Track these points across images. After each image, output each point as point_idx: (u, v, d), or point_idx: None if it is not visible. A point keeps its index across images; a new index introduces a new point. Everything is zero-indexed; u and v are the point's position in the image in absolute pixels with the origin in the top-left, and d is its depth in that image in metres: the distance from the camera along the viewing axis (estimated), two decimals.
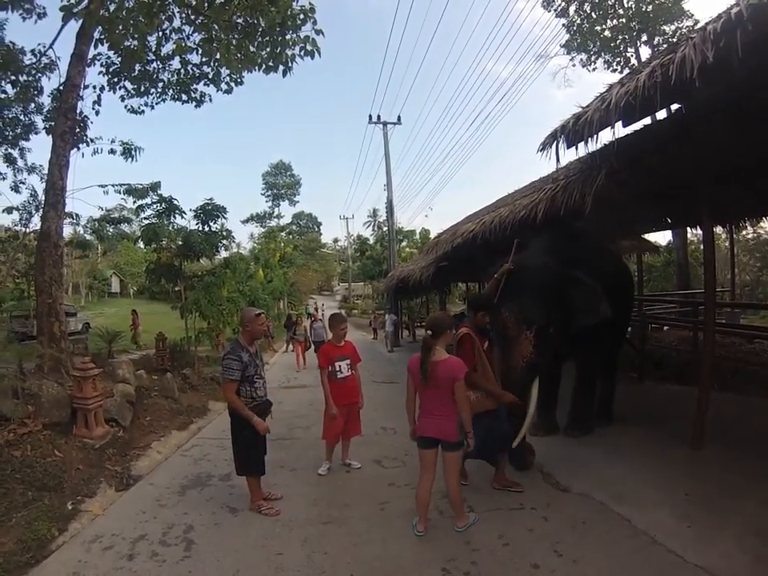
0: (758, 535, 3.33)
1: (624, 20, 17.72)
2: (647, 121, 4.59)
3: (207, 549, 3.52)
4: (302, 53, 7.25)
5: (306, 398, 8.58)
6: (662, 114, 4.67)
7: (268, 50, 7.54)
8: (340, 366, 4.93)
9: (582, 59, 19.64)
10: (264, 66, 7.66)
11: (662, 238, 24.17)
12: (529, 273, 4.66)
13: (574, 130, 4.09)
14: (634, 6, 17.45)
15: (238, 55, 7.87)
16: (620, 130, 4.40)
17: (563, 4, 18.29)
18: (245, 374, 3.97)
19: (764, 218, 8.69)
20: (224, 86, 10.12)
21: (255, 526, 3.87)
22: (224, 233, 11.30)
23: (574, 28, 18.73)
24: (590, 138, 4.10)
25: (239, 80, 10.06)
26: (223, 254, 14.86)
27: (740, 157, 4.65)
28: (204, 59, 9.27)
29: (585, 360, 5.82)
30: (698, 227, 10.22)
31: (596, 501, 4.09)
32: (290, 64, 7.49)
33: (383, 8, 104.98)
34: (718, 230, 14.06)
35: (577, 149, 4.35)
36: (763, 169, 5.09)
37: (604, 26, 18.44)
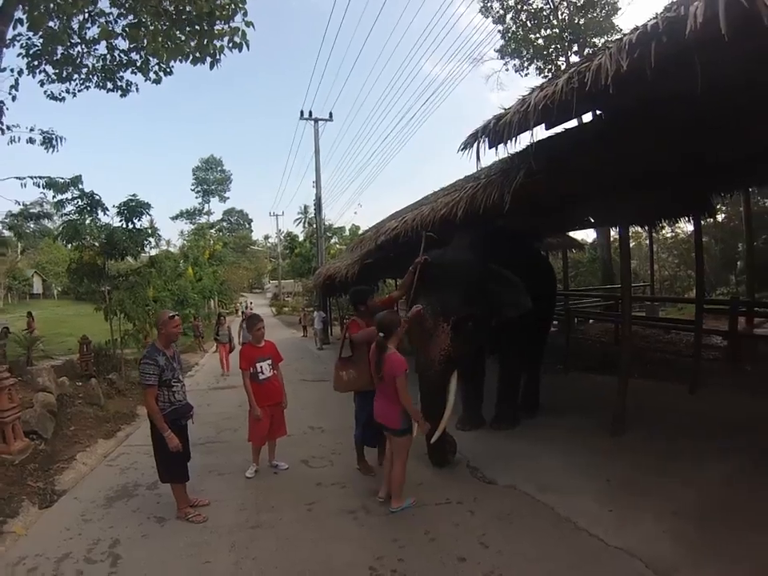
0: (675, 514, 3.57)
1: (557, 30, 18.49)
2: (572, 124, 4.78)
3: (134, 563, 3.39)
4: (230, 45, 7.08)
5: (235, 400, 8.36)
6: (587, 118, 4.87)
7: (196, 39, 7.28)
8: (261, 367, 4.86)
9: (515, 64, 20.27)
10: (192, 57, 7.41)
11: (588, 235, 25.43)
12: (448, 267, 4.70)
13: (495, 131, 4.15)
14: (567, 18, 18.24)
15: (166, 44, 7.56)
16: (543, 134, 4.58)
17: (500, 11, 18.86)
18: (162, 378, 3.84)
19: (680, 219, 9.33)
20: (152, 76, 9.56)
21: (182, 535, 3.75)
22: (149, 230, 10.84)
23: (509, 35, 19.31)
24: (510, 140, 4.19)
25: (168, 70, 9.57)
26: (152, 252, 14.22)
27: (655, 162, 4.87)
28: (131, 45, 8.79)
29: (508, 354, 5.92)
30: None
31: (522, 492, 4.21)
32: (218, 56, 7.30)
33: (321, 3, 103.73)
34: (640, 229, 15.01)
35: (497, 150, 4.43)
36: (677, 173, 5.40)
37: (538, 35, 19.16)
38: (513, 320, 4.78)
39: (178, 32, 7.38)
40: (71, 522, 4.08)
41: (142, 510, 4.26)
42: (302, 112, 22.62)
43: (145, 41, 7.87)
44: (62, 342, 16.05)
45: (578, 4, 17.99)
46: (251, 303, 40.35)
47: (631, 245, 25.22)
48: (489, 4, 19.03)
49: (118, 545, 3.65)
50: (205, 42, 7.20)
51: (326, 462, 5.27)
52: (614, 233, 17.66)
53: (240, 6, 6.89)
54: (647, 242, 20.46)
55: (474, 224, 5.59)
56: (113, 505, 4.43)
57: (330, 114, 23.68)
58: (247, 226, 77.21)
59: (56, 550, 3.60)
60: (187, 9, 7.01)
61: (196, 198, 72.39)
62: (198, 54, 7.41)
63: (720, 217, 20.99)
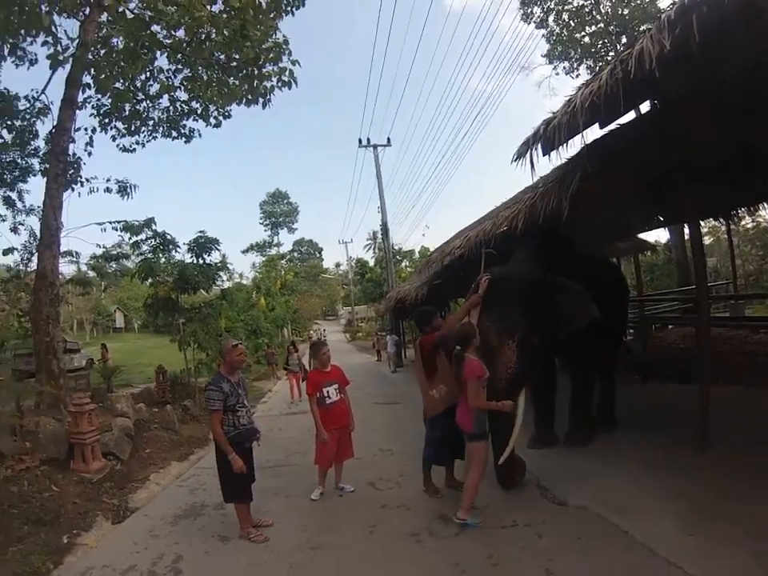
0: (763, 540, 3.19)
1: (602, 25, 17.95)
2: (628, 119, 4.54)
3: None
4: (279, 84, 7.42)
5: (305, 425, 8.41)
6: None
7: (247, 84, 7.71)
8: (328, 392, 4.90)
9: (564, 67, 19.80)
10: (244, 100, 7.84)
11: (660, 236, 24.05)
12: (508, 282, 4.59)
13: (546, 137, 4.04)
14: (610, 10, 17.64)
15: (221, 90, 8.06)
16: (598, 133, 4.40)
17: (542, 15, 18.54)
18: (227, 404, 3.98)
19: (760, 207, 8.58)
20: (212, 121, 10.30)
21: (243, 554, 3.82)
22: (219, 264, 11.39)
23: (554, 37, 18.94)
24: (563, 144, 4.08)
25: (227, 114, 10.26)
26: (225, 284, 14.92)
27: (717, 150, 4.58)
28: (190, 96, 9.47)
29: (579, 367, 5.70)
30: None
31: (594, 514, 3.95)
32: (268, 96, 7.66)
33: (370, 31, 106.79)
34: (717, 223, 13.94)
35: (549, 157, 4.31)
36: (743, 159, 5.02)
37: (583, 33, 18.66)
38: (581, 331, 4.54)
39: (231, 78, 7.83)
40: (139, 537, 4.28)
41: (206, 528, 4.39)
42: (360, 140, 23.04)
43: (201, 91, 8.42)
44: (141, 371, 17.06)
45: None
46: (324, 330, 41.04)
47: (708, 241, 23.71)
48: (529, 10, 18.74)
49: (180, 560, 3.77)
50: (255, 85, 7.59)
51: (393, 484, 5.19)
52: (687, 231, 16.58)
53: (284, 48, 7.22)
54: (725, 235, 19.12)
55: (535, 236, 5.42)
56: (179, 522, 4.61)
57: (388, 138, 23.89)
58: (317, 254, 79.54)
59: (122, 563, 3.78)
60: (235, 56, 7.41)
61: (265, 230, 75.12)
62: (249, 97, 7.82)
63: None
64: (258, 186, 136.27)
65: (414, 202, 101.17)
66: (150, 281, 10.97)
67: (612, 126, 4.39)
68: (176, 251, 10.89)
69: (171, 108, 10.43)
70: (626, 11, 17.29)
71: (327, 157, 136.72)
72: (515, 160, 4.43)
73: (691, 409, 5.29)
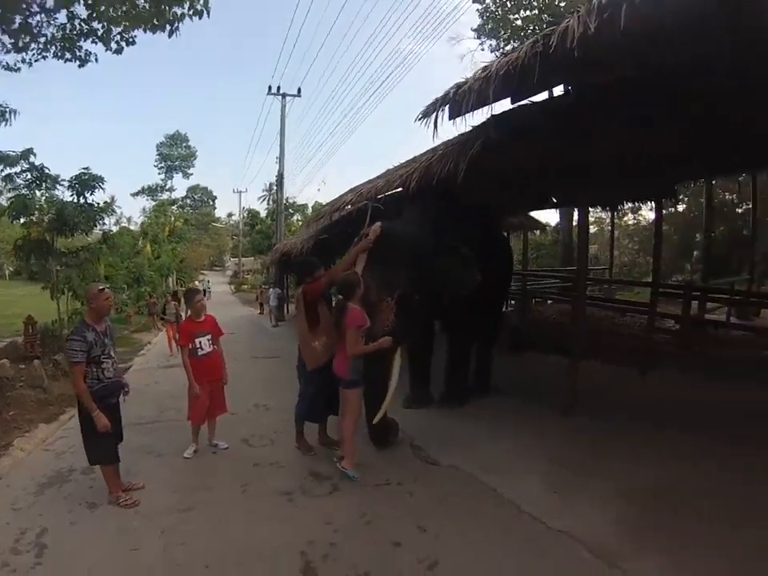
0: (620, 495, 3.55)
1: (537, 12, 18.30)
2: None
3: (59, 552, 3.21)
4: (190, 11, 6.73)
5: (182, 379, 8.17)
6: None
7: (154, 7, 6.90)
8: (201, 343, 4.72)
9: (491, 45, 19.97)
10: (150, 25, 7.03)
11: (551, 218, 25.90)
12: (395, 238, 4.56)
13: (455, 100, 3.93)
14: None
15: (127, 12, 7.16)
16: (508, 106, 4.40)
17: None
18: (90, 355, 3.64)
19: (642, 203, 9.47)
20: (114, 45, 9.15)
21: (112, 521, 3.57)
22: (102, 205, 10.41)
23: (488, 14, 19.06)
24: (471, 111, 4.02)
25: (131, 39, 9.15)
26: (113, 228, 13.70)
27: (622, 144, 4.77)
28: (91, 13, 8.29)
29: (456, 331, 5.79)
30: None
31: (465, 473, 4.11)
32: (176, 23, 6.94)
33: None
34: (603, 215, 15.13)
35: (455, 122, 4.24)
36: (635, 159, 5.27)
37: (517, 16, 18.94)
38: (462, 296, 4.67)
39: None
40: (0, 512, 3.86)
41: (73, 495, 4.05)
42: (269, 87, 21.90)
43: (102, 7, 7.42)
44: (11, 323, 15.31)
45: None
46: (209, 281, 39.00)
47: (593, 230, 25.80)
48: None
49: (45, 534, 3.43)
50: (163, 8, 6.81)
51: (267, 441, 5.13)
52: (576, 216, 17.87)
53: None
54: (609, 227, 20.97)
55: (429, 197, 5.42)
56: (44, 492, 4.18)
57: (299, 89, 22.68)
58: (211, 203, 75.20)
59: None
60: None
61: (159, 174, 70.24)
62: (156, 22, 7.02)
63: (681, 207, 21.48)
64: (155, 125, 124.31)
65: (314, 155, 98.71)
66: (22, 220, 9.80)
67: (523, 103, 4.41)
68: (56, 188, 9.76)
69: (68, 25, 9.12)
70: (562, 4, 17.67)
71: (232, 101, 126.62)
72: (420, 119, 4.29)
73: (561, 379, 5.74)
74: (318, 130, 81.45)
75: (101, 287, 3.90)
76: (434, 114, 4.13)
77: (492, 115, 4.28)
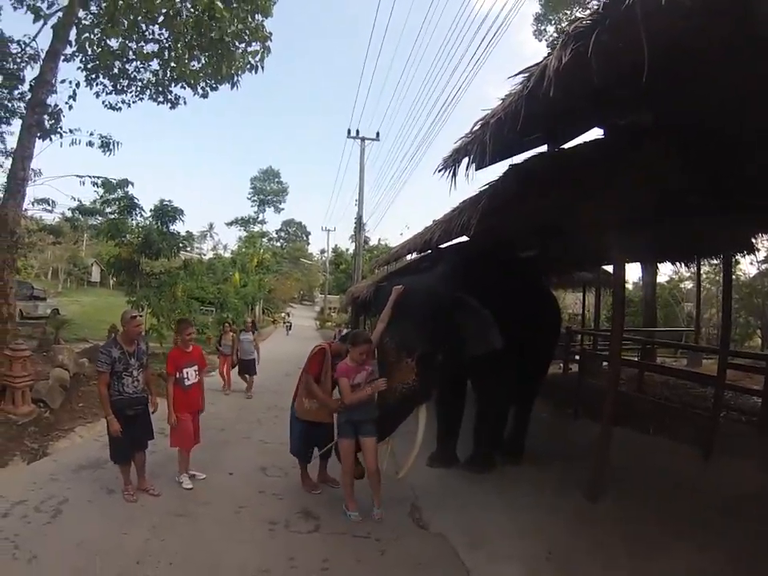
0: None
1: None
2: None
3: (69, 519, 3.89)
4: (247, 66, 7.52)
5: (240, 404, 8.96)
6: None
7: (212, 65, 7.79)
8: (188, 373, 4.78)
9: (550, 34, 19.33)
10: (212, 80, 7.93)
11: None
12: (413, 297, 4.45)
13: (471, 153, 3.65)
14: None
15: (189, 68, 8.10)
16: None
17: (555, 35, 18.64)
18: (113, 369, 4.21)
19: (708, 258, 8.73)
20: (200, 90, 10.36)
21: (119, 508, 4.15)
22: (184, 235, 11.54)
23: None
24: (493, 162, 4.02)
25: (214, 86, 10.33)
26: (209, 254, 14.93)
27: (666, 191, 4.37)
28: (163, 67, 9.45)
29: (486, 390, 5.43)
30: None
31: (449, 546, 3.87)
32: (235, 78, 7.75)
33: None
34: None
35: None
36: (697, 204, 4.81)
37: None
38: (491, 354, 4.31)
39: (202, 56, 7.89)
40: (40, 478, 4.66)
41: (100, 480, 4.68)
42: (348, 130, 22.71)
43: (174, 63, 8.44)
44: (103, 328, 17.05)
45: None
46: (288, 315, 39.63)
47: (690, 285, 23.71)
48: (543, 27, 19.00)
49: (66, 503, 4.16)
50: (220, 67, 7.64)
51: (282, 473, 5.27)
52: (669, 271, 16.62)
53: (258, 32, 7.27)
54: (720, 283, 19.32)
55: (459, 251, 5.41)
56: (80, 472, 4.91)
57: (377, 133, 23.66)
58: (305, 238, 79.27)
59: (17, 496, 4.19)
60: (202, 35, 7.46)
61: (252, 206, 74.89)
62: (218, 77, 7.90)
63: None
64: (249, 161, 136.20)
65: (397, 197, 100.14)
66: (115, 240, 11.08)
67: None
68: (140, 215, 10.97)
69: (161, 72, 10.47)
70: None
71: (320, 140, 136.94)
72: (440, 171, 4.08)
73: (614, 455, 4.90)
74: (406, 174, 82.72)
75: (134, 314, 4.54)
76: (453, 167, 3.92)
77: (510, 165, 4.20)
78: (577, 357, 10.21)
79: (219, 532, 3.85)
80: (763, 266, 23.27)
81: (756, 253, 8.79)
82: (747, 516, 4.21)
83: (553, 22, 18.69)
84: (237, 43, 7.39)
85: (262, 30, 7.28)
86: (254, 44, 7.39)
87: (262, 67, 7.52)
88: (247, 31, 7.30)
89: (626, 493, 4.74)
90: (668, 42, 2.38)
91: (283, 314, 40.49)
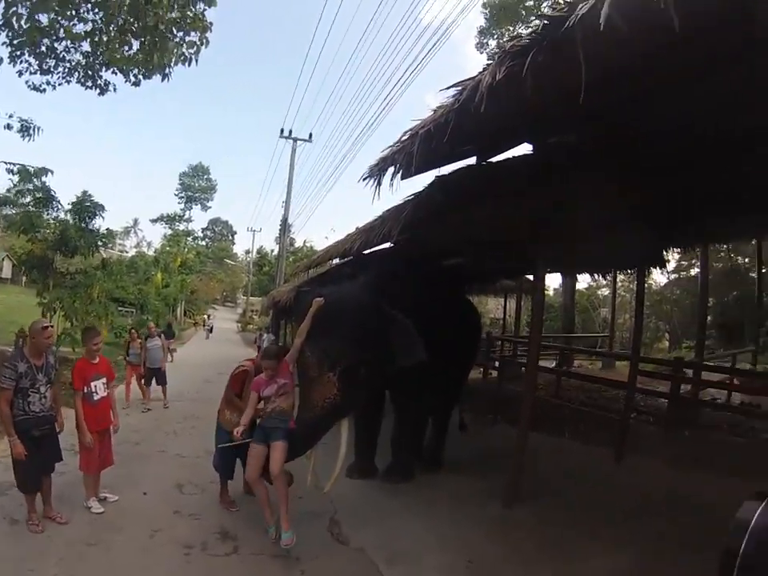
0: None
1: None
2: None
3: None
4: (180, 58, 7.17)
5: (155, 414, 8.46)
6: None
7: (142, 53, 7.38)
8: (96, 387, 4.40)
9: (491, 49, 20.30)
10: (143, 68, 7.50)
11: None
12: (334, 309, 4.27)
13: (399, 163, 3.64)
14: None
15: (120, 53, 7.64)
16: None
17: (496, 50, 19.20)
18: (19, 385, 3.79)
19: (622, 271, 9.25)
20: (132, 78, 9.75)
21: (25, 540, 3.73)
22: (104, 231, 10.85)
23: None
24: (419, 173, 4.00)
25: (147, 74, 9.76)
26: (132, 251, 14.15)
27: (587, 208, 4.55)
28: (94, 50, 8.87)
29: (406, 402, 5.39)
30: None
31: (368, 560, 3.83)
32: (167, 69, 7.37)
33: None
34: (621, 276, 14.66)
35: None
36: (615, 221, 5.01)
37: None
38: (412, 367, 4.32)
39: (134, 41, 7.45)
40: None
41: (2, 508, 4.18)
42: (282, 130, 22.39)
43: (103, 47, 7.93)
44: (12, 330, 15.79)
45: None
46: (208, 317, 38.02)
47: (606, 292, 25.33)
48: (485, 41, 19.62)
49: None
50: (152, 56, 7.26)
51: (199, 490, 5.03)
52: (588, 278, 17.63)
53: (197, 23, 6.95)
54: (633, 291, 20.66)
55: (382, 261, 5.39)
56: None
57: (311, 134, 23.16)
58: (231, 237, 76.99)
59: None
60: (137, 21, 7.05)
61: (179, 203, 72.06)
62: (148, 66, 7.48)
63: (693, 271, 21.20)
64: (179, 155, 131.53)
65: (324, 199, 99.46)
66: (28, 235, 10.27)
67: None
68: (56, 210, 10.25)
69: (91, 55, 9.76)
70: None
71: (252, 138, 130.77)
72: (364, 179, 4.06)
73: (530, 459, 5.08)
74: (338, 174, 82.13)
75: (44, 325, 4.08)
76: (378, 176, 3.90)
77: (436, 176, 4.23)
78: (497, 363, 10.45)
79: (132, 560, 3.59)
80: (672, 276, 25.58)
81: (666, 264, 9.64)
82: (656, 512, 4.52)
83: (495, 36, 19.28)
84: (175, 31, 6.95)
85: (202, 20, 6.89)
86: (192, 33, 6.97)
87: (196, 60, 7.14)
88: (186, 20, 6.89)
89: (542, 497, 4.91)
90: (605, 65, 2.46)
91: (204, 316, 38.83)
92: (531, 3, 18.04)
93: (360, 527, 4.34)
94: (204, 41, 6.97)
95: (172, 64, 7.26)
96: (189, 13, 6.94)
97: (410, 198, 4.62)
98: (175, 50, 7.06)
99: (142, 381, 9.19)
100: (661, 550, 3.88)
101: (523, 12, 18.21)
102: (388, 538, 4.17)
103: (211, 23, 7.33)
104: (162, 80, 7.39)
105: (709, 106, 3.11)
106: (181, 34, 7.08)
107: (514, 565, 3.75)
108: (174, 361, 15.03)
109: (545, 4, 16.09)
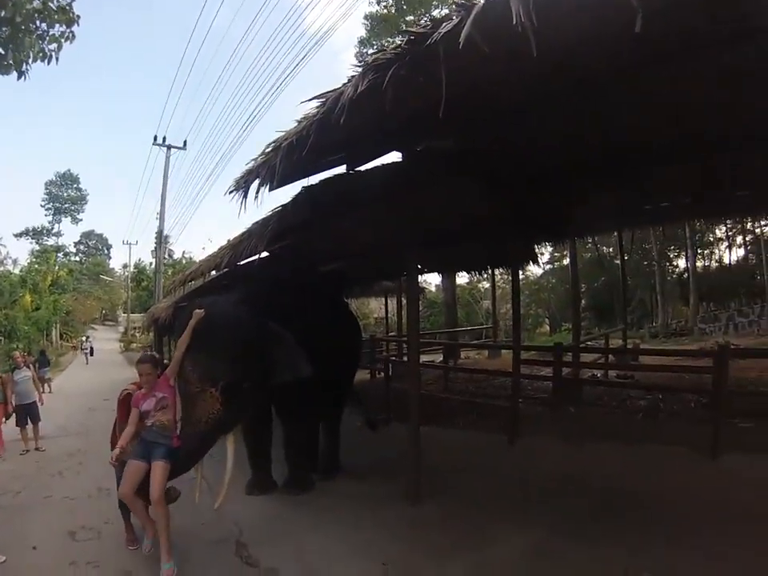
0: None
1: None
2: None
3: None
4: (39, 54, 6.43)
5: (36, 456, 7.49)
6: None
7: None
8: None
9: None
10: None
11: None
12: (213, 322, 4.14)
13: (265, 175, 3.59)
14: None
15: None
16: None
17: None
18: None
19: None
20: None
21: None
22: None
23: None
24: (286, 183, 3.99)
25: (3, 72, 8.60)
26: None
27: (456, 211, 4.88)
28: None
29: (290, 414, 5.33)
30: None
31: None
32: (24, 66, 6.60)
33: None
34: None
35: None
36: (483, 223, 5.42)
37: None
38: (294, 380, 4.29)
39: None
40: None
41: None
42: (155, 137, 21.52)
43: None
44: None
45: None
46: (89, 338, 34.42)
47: (487, 285, 27.12)
48: (365, 51, 19.73)
49: None
50: (6, 52, 6.45)
51: (95, 533, 4.48)
52: (465, 275, 18.63)
53: (59, 16, 6.20)
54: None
55: (264, 273, 5.30)
56: None
57: (185, 142, 22.32)
58: (106, 252, 71.33)
59: None
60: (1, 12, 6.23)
61: (46, 215, 65.89)
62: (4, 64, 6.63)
63: (565, 261, 23.35)
64: (46, 163, 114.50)
65: (200, 208, 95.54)
66: None
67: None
68: None
69: None
70: None
71: (125, 146, 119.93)
72: (231, 192, 3.96)
73: (425, 454, 5.04)
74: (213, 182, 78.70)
75: None
76: (244, 189, 3.84)
77: (303, 187, 4.24)
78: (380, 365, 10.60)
79: None
80: (547, 266, 28.70)
81: (539, 260, 10.47)
82: (555, 486, 4.81)
83: (375, 46, 19.67)
84: (38, 24, 6.12)
85: (67, 12, 6.12)
86: (56, 26, 6.18)
87: (57, 59, 6.37)
88: (49, 12, 6.07)
89: (445, 490, 4.98)
90: (467, 80, 2.62)
91: (82, 338, 35.46)
92: (412, 18, 18.60)
93: (268, 546, 4.14)
94: (69, 35, 6.26)
95: (30, 61, 6.48)
96: (52, 4, 6.21)
97: (277, 209, 4.61)
98: (34, 47, 6.29)
99: (14, 420, 7.76)
100: (567, 520, 4.10)
101: (403, 26, 18.77)
102: (299, 552, 4.02)
103: (78, 16, 6.65)
104: (18, 78, 6.54)
105: (569, 118, 3.44)
106: (44, 26, 6.30)
107: (430, 561, 3.76)
108: (53, 391, 14.12)
109: (423, 20, 16.71)
